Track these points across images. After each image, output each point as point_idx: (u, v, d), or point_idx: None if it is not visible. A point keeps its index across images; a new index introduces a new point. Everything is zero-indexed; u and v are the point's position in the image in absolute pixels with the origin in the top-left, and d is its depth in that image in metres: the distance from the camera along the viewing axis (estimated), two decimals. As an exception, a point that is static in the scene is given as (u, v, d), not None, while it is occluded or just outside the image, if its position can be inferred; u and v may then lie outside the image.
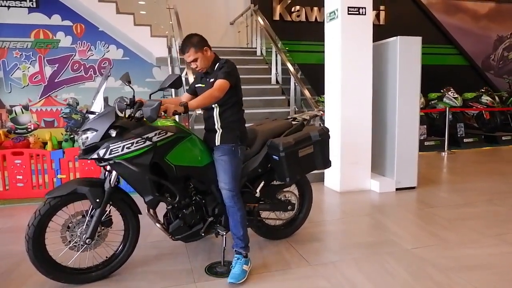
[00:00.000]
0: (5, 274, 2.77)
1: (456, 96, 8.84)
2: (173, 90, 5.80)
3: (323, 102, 5.30)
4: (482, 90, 9.60)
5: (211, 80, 2.66)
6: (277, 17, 9.74)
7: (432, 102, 9.16)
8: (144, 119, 2.50)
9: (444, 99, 8.87)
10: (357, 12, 4.64)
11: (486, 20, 11.74)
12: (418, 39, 4.71)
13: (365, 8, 4.66)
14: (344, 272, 2.73)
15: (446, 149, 7.63)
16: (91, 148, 2.41)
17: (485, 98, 9.14)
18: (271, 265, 2.85)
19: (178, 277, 2.70)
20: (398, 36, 4.63)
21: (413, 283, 2.55)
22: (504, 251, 3.03)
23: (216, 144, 2.70)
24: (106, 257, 2.70)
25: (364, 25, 4.70)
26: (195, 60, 2.65)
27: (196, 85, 2.83)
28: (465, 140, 8.70)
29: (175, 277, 2.71)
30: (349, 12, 4.63)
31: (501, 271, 2.70)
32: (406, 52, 4.65)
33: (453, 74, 10.91)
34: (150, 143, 2.46)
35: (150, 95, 2.80)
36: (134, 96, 2.57)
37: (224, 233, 2.83)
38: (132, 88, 2.58)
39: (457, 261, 2.85)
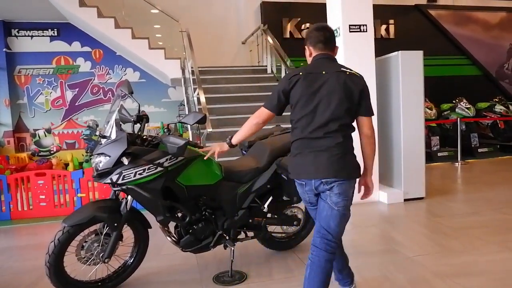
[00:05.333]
0: (30, 286, 2.99)
1: (468, 106, 8.83)
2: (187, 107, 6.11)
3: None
4: (496, 99, 9.56)
5: None
6: (287, 35, 9.97)
7: (445, 113, 9.17)
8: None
9: (457, 110, 8.87)
10: (358, 30, 4.81)
11: (498, 29, 11.71)
12: (419, 53, 4.84)
13: (366, 25, 4.83)
14: (345, 279, 2.83)
15: (459, 159, 7.61)
16: (105, 172, 2.53)
17: (499, 107, 9.11)
18: (275, 273, 2.99)
19: (187, 286, 2.86)
20: (400, 51, 4.78)
21: (411, 289, 2.64)
22: (505, 257, 3.09)
23: None
24: (119, 268, 2.88)
25: (366, 41, 4.86)
26: None
27: None
28: (480, 150, 8.65)
29: (185, 286, 2.87)
30: (351, 30, 4.80)
31: (500, 277, 2.76)
32: (408, 66, 4.78)
33: (468, 84, 10.83)
34: (162, 168, 2.55)
35: (168, 124, 3.02)
36: (139, 111, 2.70)
37: (233, 247, 2.93)
38: (137, 101, 2.69)
39: (457, 268, 2.92)
